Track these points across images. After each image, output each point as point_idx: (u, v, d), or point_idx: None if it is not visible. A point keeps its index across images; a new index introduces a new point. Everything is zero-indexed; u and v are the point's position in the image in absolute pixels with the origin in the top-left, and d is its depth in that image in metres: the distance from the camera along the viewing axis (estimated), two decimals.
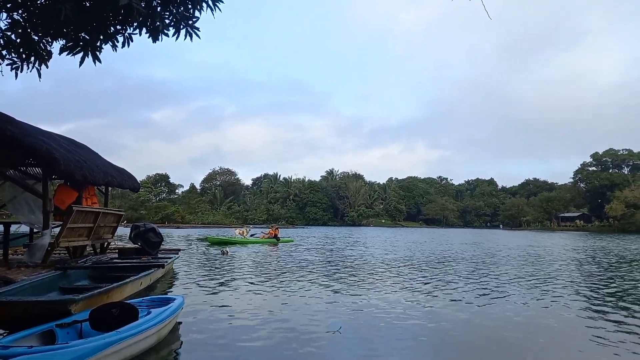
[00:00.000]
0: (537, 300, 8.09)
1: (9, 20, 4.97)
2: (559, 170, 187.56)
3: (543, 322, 6.39)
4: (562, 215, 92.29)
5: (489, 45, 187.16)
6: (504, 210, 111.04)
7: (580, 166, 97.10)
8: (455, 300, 7.99)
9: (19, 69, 5.15)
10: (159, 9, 4.79)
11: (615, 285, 10.18)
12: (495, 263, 15.22)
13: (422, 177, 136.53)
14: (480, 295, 8.54)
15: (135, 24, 4.79)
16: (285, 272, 11.78)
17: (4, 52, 5.00)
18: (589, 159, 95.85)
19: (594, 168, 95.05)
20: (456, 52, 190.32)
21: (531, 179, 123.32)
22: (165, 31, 4.82)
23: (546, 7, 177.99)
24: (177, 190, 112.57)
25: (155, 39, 4.82)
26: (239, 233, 27.37)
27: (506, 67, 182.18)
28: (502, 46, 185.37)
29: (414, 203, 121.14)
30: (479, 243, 29.53)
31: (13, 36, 4.97)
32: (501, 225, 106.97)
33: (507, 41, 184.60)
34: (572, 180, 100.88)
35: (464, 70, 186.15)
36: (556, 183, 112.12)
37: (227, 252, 17.19)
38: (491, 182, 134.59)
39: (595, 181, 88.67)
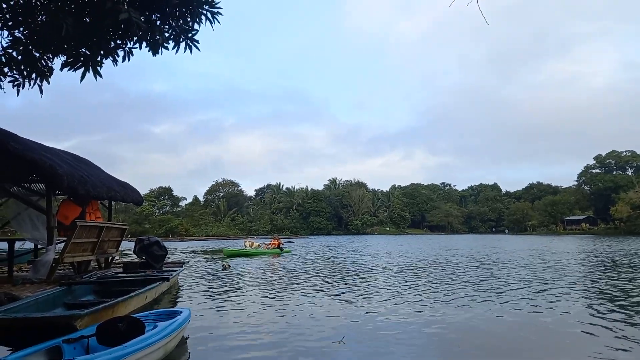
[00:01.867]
0: (547, 304, 8.00)
1: (11, 38, 5.01)
2: (562, 173, 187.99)
3: (553, 326, 6.33)
4: (568, 218, 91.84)
5: (480, 54, 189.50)
6: (508, 215, 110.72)
7: (583, 169, 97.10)
8: (460, 306, 7.92)
9: (21, 86, 5.18)
10: (158, 22, 4.82)
11: (624, 287, 10.09)
12: (501, 268, 15.11)
13: (425, 184, 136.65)
14: (486, 300, 8.47)
15: (135, 38, 4.82)
16: (288, 283, 11.72)
17: (6, 70, 5.03)
18: (592, 162, 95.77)
19: (597, 170, 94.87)
20: (449, 61, 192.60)
21: (535, 182, 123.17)
22: (165, 44, 4.85)
23: (533, 16, 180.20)
24: (180, 203, 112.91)
25: (155, 53, 4.84)
26: (248, 245, 27.29)
27: (497, 74, 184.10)
28: (492, 54, 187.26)
29: (418, 210, 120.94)
30: (483, 249, 29.37)
31: (14, 53, 5.01)
32: (506, 230, 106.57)
33: (496, 50, 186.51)
34: (576, 183, 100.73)
35: (457, 78, 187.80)
36: (560, 186, 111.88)
37: (229, 266, 16.50)
38: (495, 187, 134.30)
39: (599, 183, 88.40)
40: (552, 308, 7.65)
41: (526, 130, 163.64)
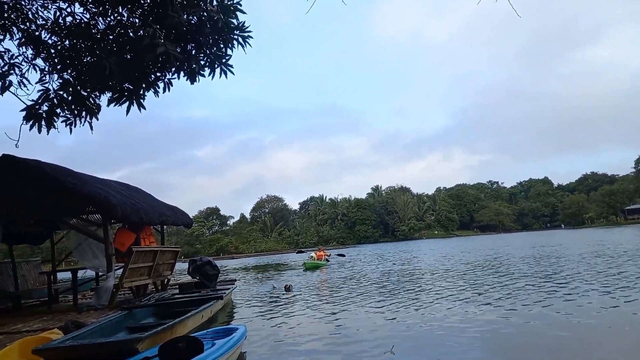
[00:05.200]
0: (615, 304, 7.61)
1: (60, 81, 5.35)
2: (617, 161, 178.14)
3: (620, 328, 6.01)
4: (628, 208, 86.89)
5: (511, 50, 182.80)
6: (563, 209, 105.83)
7: None
8: (514, 310, 7.62)
9: (73, 124, 5.50)
10: (193, 52, 5.02)
11: None
12: (559, 268, 14.48)
13: (472, 184, 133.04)
14: (542, 303, 8.14)
15: (173, 69, 5.03)
16: (337, 294, 11.73)
17: (58, 110, 5.36)
18: None
19: None
20: (481, 60, 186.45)
21: (588, 173, 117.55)
22: (201, 72, 5.04)
23: (561, 3, 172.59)
24: (228, 222, 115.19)
25: (192, 81, 5.04)
26: (312, 259, 27.23)
27: (531, 68, 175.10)
28: (524, 49, 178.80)
29: (466, 211, 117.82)
30: (536, 247, 28.24)
31: (65, 94, 5.33)
32: (562, 225, 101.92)
33: (527, 44, 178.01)
34: (634, 169, 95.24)
35: (490, 76, 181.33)
36: (617, 175, 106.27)
37: (291, 287, 14.11)
38: (546, 181, 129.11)
39: None
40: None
41: (571, 120, 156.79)
